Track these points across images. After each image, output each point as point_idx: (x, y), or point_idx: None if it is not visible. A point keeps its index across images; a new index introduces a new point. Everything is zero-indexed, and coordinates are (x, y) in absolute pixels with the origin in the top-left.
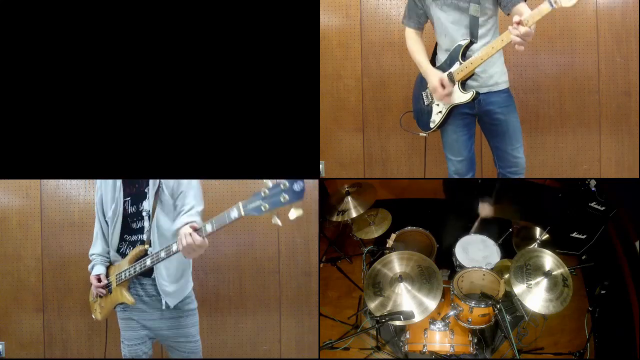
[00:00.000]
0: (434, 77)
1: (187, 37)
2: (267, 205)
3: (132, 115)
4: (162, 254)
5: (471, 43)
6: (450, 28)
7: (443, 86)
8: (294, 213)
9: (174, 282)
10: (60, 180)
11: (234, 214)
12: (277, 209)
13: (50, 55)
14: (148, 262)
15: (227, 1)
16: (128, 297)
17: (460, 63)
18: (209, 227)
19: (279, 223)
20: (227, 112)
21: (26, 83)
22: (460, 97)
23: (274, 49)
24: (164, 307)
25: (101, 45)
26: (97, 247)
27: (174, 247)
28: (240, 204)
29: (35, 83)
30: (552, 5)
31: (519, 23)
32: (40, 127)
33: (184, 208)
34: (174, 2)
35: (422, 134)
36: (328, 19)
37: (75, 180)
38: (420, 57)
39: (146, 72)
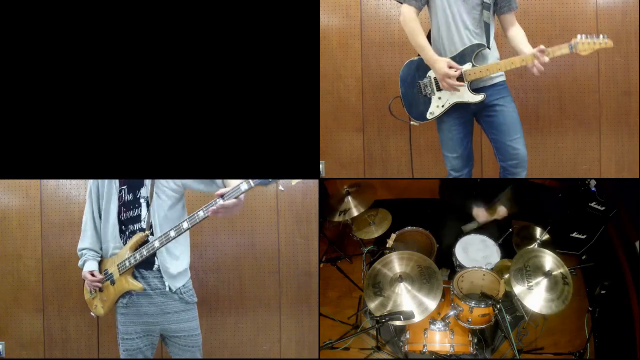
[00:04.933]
0: (442, 63)
1: (187, 37)
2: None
3: (131, 115)
4: (172, 233)
5: (485, 48)
6: (453, 20)
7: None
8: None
9: (176, 264)
10: (60, 180)
11: (243, 186)
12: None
13: (50, 56)
14: (157, 244)
15: (227, 1)
16: (135, 284)
17: (473, 65)
18: (243, 186)
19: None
20: (227, 112)
21: (26, 83)
22: (470, 97)
23: (274, 49)
24: (167, 290)
25: (101, 46)
26: (86, 241)
27: (185, 225)
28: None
29: (35, 83)
30: (571, 49)
31: (543, 52)
32: (40, 127)
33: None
34: (174, 1)
35: (413, 123)
36: (328, 19)
37: (75, 180)
38: (423, 40)
39: (145, 72)
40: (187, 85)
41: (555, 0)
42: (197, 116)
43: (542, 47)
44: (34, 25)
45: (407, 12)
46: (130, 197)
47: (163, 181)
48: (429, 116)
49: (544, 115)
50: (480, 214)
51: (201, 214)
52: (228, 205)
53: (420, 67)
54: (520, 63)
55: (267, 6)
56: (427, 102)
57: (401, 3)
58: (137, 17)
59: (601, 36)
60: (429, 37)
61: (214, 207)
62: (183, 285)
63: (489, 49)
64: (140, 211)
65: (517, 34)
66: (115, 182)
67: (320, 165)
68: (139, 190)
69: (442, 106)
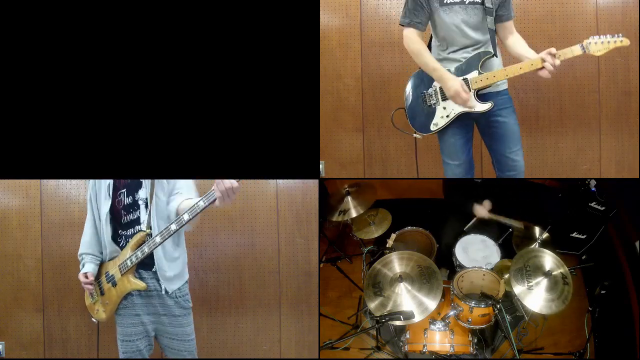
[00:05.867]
0: (454, 81)
1: (187, 37)
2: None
3: (131, 116)
4: (173, 227)
5: (492, 56)
6: (457, 30)
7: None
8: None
9: (172, 266)
10: (60, 180)
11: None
12: None
13: (50, 56)
14: (158, 239)
15: (227, 1)
16: (138, 283)
17: (480, 73)
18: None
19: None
20: (228, 112)
21: (26, 83)
22: (478, 106)
23: (274, 49)
24: (163, 293)
25: (101, 46)
26: (85, 246)
27: (186, 217)
28: None
29: (35, 83)
30: (583, 50)
31: (554, 55)
32: (40, 127)
33: (178, 190)
34: (174, 1)
35: (417, 135)
36: (328, 19)
37: (75, 180)
38: (432, 59)
39: (145, 72)
40: (187, 85)
41: (555, 1)
42: (197, 116)
43: (553, 50)
44: (34, 26)
45: (410, 34)
46: (129, 200)
47: (159, 181)
48: (432, 127)
49: (544, 115)
50: (480, 210)
51: (201, 203)
52: (228, 186)
53: (426, 77)
54: (529, 68)
55: (268, 6)
56: (431, 112)
57: (403, 26)
58: (137, 17)
59: (616, 35)
60: (429, 47)
61: (214, 191)
62: (179, 289)
63: (496, 56)
64: (139, 213)
65: (518, 41)
66: (106, 184)
67: (320, 165)
68: (137, 192)
69: (447, 116)
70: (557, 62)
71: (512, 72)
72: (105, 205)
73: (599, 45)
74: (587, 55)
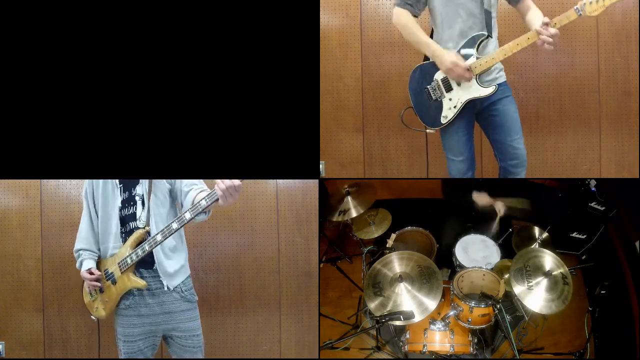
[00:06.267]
0: (448, 56)
1: (187, 37)
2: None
3: (131, 115)
4: (175, 225)
5: (487, 37)
6: (453, 18)
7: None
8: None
9: (172, 262)
10: (60, 180)
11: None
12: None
13: (49, 56)
14: (159, 237)
15: (227, 1)
16: (139, 281)
17: (478, 57)
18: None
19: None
20: (227, 112)
21: (26, 83)
22: (482, 90)
23: (274, 49)
24: (166, 289)
25: (101, 46)
26: (82, 242)
27: (187, 215)
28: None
29: (34, 83)
30: (578, 13)
31: (548, 24)
32: (40, 127)
33: (192, 187)
34: (174, 1)
35: (430, 131)
36: (328, 19)
37: (75, 180)
38: (424, 36)
39: (145, 72)
40: (187, 85)
41: (556, 1)
42: (197, 116)
43: (545, 19)
44: (33, 26)
45: (401, 14)
46: (125, 195)
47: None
48: (443, 120)
49: (544, 115)
50: (481, 198)
51: (203, 203)
52: (228, 184)
53: (426, 72)
54: (527, 42)
55: (268, 6)
56: (439, 106)
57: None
58: (137, 17)
59: None
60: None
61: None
62: (182, 283)
63: (491, 37)
64: (136, 209)
65: (533, 17)
66: (115, 181)
67: (320, 165)
68: (134, 188)
69: (455, 107)
70: (553, 30)
71: (511, 50)
72: (115, 199)
73: (594, 5)
74: (583, 19)
